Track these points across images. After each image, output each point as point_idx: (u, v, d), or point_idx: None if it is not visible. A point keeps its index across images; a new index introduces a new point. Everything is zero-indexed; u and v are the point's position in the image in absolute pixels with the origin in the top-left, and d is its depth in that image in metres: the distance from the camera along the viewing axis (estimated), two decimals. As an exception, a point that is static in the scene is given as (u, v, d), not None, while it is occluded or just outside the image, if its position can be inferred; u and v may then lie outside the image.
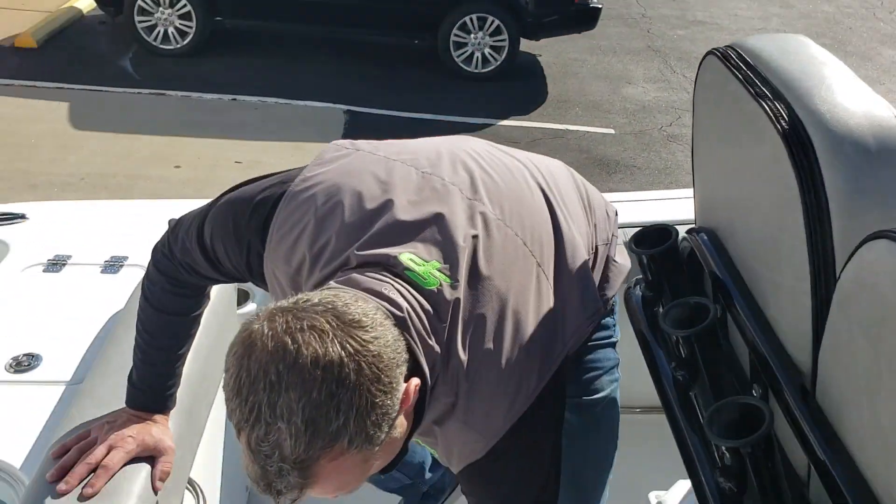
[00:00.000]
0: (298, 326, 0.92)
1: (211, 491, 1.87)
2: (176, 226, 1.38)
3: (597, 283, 1.35)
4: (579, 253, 1.27)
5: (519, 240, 1.20)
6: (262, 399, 0.90)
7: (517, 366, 1.14)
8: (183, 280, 1.37)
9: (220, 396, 1.92)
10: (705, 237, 1.34)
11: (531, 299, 1.17)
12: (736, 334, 1.23)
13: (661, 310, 1.25)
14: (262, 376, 0.90)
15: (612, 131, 6.61)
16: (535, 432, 1.18)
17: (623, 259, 1.43)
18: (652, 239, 1.33)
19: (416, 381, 1.00)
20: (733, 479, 1.01)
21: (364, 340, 0.93)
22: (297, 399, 0.89)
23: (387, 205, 1.17)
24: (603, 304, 1.34)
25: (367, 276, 1.08)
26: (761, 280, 1.19)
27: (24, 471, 1.49)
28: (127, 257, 2.08)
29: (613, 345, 1.46)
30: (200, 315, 1.45)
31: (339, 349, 0.91)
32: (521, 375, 1.15)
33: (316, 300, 0.96)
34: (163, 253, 1.37)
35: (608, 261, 1.39)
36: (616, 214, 1.47)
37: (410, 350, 1.02)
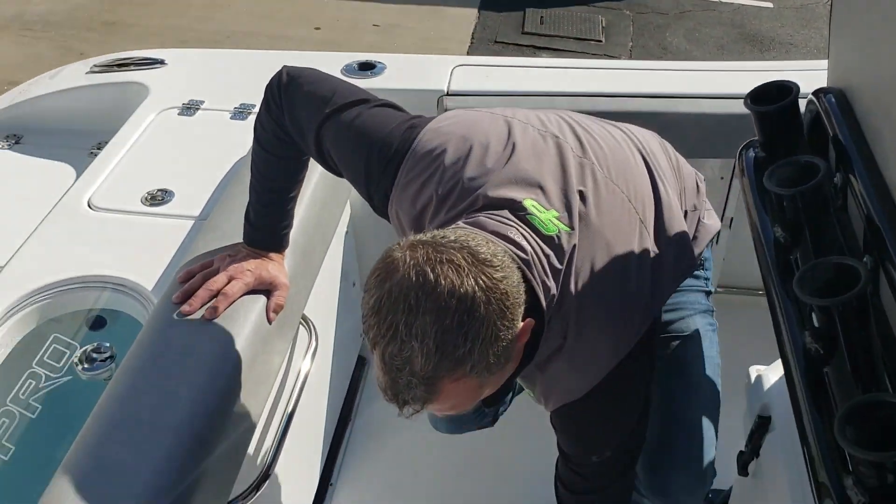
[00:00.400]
0: (438, 259, 1.00)
1: (324, 329, 1.99)
2: (291, 86, 1.38)
3: None
4: (675, 214, 1.34)
5: (624, 196, 1.27)
6: (399, 319, 0.99)
7: (621, 312, 1.23)
8: (291, 133, 1.40)
9: (336, 242, 2.02)
10: (832, 98, 1.25)
11: (634, 252, 1.24)
12: (854, 206, 1.16)
13: (771, 171, 1.19)
14: (402, 299, 0.99)
15: (770, 5, 6.11)
16: (630, 377, 1.27)
17: (711, 220, 1.48)
18: (771, 96, 1.25)
19: (530, 320, 1.08)
20: (821, 341, 0.98)
21: (495, 279, 1.01)
22: (432, 323, 0.98)
23: (511, 154, 1.25)
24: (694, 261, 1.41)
25: (493, 220, 1.16)
26: (884, 140, 1.10)
27: (154, 293, 1.63)
28: (255, 105, 2.16)
29: (706, 293, 1.55)
30: (308, 159, 1.48)
31: (473, 283, 0.99)
32: (625, 321, 1.23)
33: (452, 237, 1.04)
34: (275, 103, 1.39)
35: (698, 223, 1.44)
36: (703, 183, 1.52)
37: (531, 290, 1.10)
